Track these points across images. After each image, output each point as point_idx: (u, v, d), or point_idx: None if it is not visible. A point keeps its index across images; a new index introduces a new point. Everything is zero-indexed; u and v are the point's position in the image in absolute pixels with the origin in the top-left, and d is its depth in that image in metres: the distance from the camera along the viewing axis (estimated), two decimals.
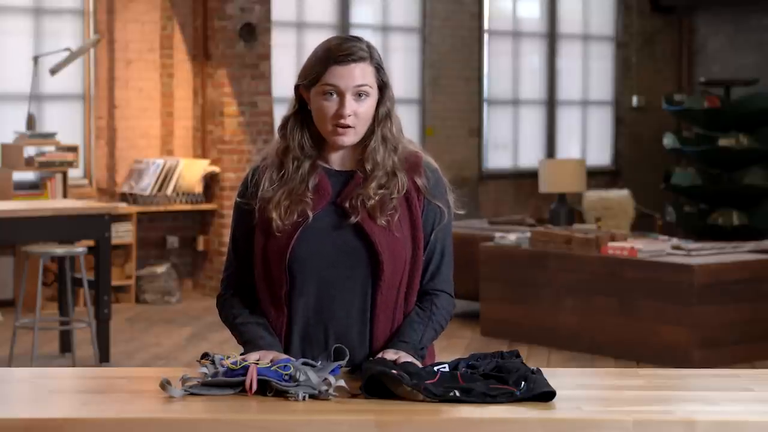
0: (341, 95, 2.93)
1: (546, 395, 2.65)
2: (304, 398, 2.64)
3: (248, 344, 2.94)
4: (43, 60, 9.73)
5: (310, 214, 2.95)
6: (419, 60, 12.34)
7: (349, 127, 2.94)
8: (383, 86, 2.99)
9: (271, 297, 2.97)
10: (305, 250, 2.94)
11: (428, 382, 2.67)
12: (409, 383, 2.64)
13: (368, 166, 2.98)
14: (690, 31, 14.17)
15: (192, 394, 2.68)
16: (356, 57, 2.94)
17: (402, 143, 3.04)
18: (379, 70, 2.98)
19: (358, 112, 2.94)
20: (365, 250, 2.94)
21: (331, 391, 2.66)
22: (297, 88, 3.02)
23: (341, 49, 2.94)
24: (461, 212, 3.11)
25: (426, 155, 3.06)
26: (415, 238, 2.98)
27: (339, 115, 2.93)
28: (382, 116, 3.00)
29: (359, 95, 2.94)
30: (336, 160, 3.03)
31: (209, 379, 2.71)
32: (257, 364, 2.72)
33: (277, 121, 3.10)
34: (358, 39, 2.99)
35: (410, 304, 3.01)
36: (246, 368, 2.70)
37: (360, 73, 2.94)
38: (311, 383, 2.66)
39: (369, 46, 2.99)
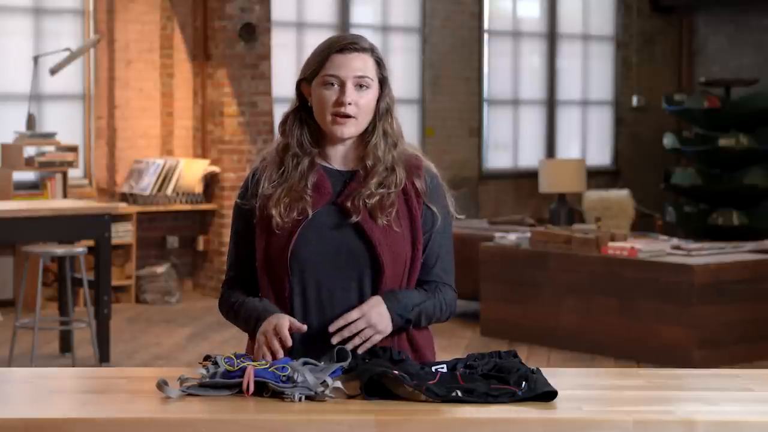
0: (342, 84, 2.94)
1: (547, 395, 2.65)
2: (300, 399, 2.64)
3: (253, 313, 2.93)
4: (43, 60, 9.72)
5: (310, 212, 2.95)
6: (419, 60, 12.34)
7: (349, 117, 2.94)
8: (383, 81, 3.00)
9: (274, 296, 2.97)
10: (306, 249, 2.94)
11: (429, 382, 2.67)
12: (410, 384, 2.64)
13: (369, 162, 2.99)
14: (690, 31, 14.17)
15: (189, 394, 2.68)
16: (358, 47, 2.97)
17: (402, 144, 3.05)
18: (380, 64, 3.00)
19: (359, 103, 2.95)
20: (366, 250, 2.94)
21: (327, 392, 2.66)
22: (298, 84, 3.03)
23: (343, 40, 2.98)
24: (461, 217, 3.11)
25: (426, 160, 3.07)
26: (415, 238, 2.98)
27: (340, 102, 2.93)
28: (383, 111, 3.01)
29: (360, 86, 2.95)
30: (337, 159, 3.03)
31: (207, 380, 2.71)
32: (254, 365, 2.72)
33: (278, 121, 3.11)
34: (359, 35, 3.02)
35: None
36: (243, 369, 2.70)
37: (361, 64, 2.95)
38: (308, 384, 2.66)
39: (371, 44, 3.02)
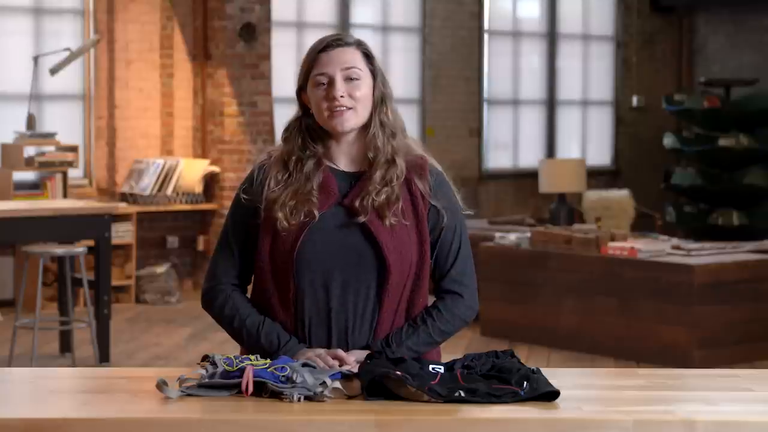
0: (331, 79, 2.94)
1: (550, 395, 2.65)
2: (299, 399, 2.64)
3: (285, 349, 2.93)
4: (43, 60, 9.72)
5: (317, 214, 2.95)
6: (419, 60, 12.34)
7: (345, 108, 2.94)
8: (375, 73, 3.00)
9: (279, 297, 2.97)
10: (312, 250, 2.94)
11: (432, 382, 2.67)
12: (412, 384, 2.64)
13: (370, 155, 2.99)
14: (690, 31, 14.16)
15: (189, 395, 2.67)
16: (341, 42, 2.98)
17: (406, 143, 3.04)
18: (368, 56, 3.00)
19: (354, 95, 2.95)
20: (372, 251, 2.94)
21: (326, 392, 2.66)
22: (298, 94, 3.04)
23: (325, 39, 3.00)
24: (470, 212, 3.12)
25: (431, 159, 3.07)
26: (422, 240, 2.98)
27: (332, 97, 2.94)
28: (377, 101, 3.01)
29: (350, 79, 2.95)
30: (343, 160, 3.02)
31: (206, 380, 2.71)
32: (253, 365, 2.72)
33: (278, 121, 3.12)
34: (343, 33, 3.05)
35: (416, 306, 3.01)
36: (242, 370, 2.70)
37: (347, 57, 2.96)
38: (307, 385, 2.66)
39: (357, 39, 3.03)
